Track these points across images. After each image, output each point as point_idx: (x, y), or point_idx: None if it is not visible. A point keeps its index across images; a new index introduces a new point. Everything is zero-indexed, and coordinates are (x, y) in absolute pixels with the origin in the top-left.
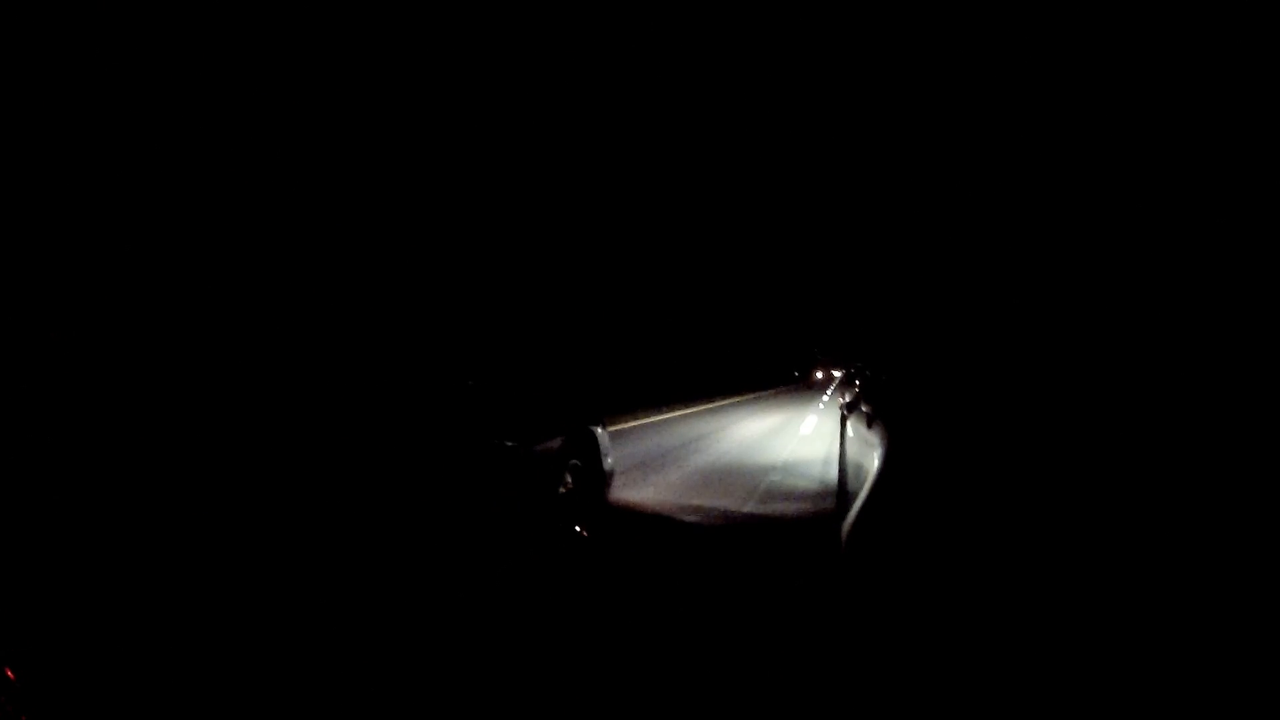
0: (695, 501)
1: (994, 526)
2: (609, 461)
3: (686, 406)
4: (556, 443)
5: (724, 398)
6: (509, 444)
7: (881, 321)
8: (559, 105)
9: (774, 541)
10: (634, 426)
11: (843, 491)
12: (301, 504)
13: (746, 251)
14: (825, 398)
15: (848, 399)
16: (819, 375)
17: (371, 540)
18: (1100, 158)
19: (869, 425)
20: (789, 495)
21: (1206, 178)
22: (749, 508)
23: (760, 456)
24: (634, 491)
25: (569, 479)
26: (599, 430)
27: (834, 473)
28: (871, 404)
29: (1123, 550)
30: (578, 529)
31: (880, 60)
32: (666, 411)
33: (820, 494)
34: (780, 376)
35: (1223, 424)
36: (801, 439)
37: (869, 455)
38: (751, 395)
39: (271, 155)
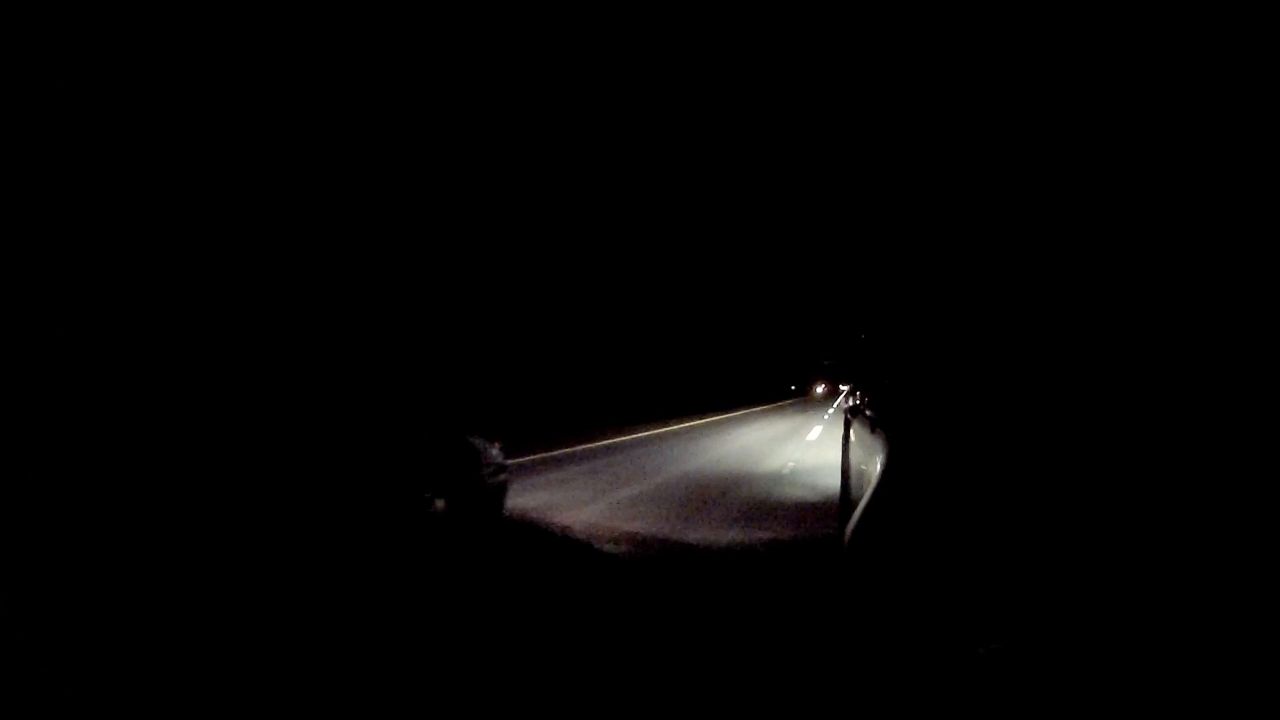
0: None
1: (999, 531)
2: (501, 477)
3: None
4: (415, 456)
5: (681, 420)
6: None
7: (884, 324)
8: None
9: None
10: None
11: (845, 495)
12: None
13: (740, 257)
14: (824, 420)
15: (851, 404)
16: (820, 389)
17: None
18: (1099, 160)
19: (872, 430)
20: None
21: (1206, 178)
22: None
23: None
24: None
25: (438, 501)
26: (479, 441)
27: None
28: (875, 409)
29: (1125, 553)
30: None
31: (883, 63)
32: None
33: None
34: (777, 390)
35: (1226, 431)
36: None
37: (872, 460)
38: (724, 416)
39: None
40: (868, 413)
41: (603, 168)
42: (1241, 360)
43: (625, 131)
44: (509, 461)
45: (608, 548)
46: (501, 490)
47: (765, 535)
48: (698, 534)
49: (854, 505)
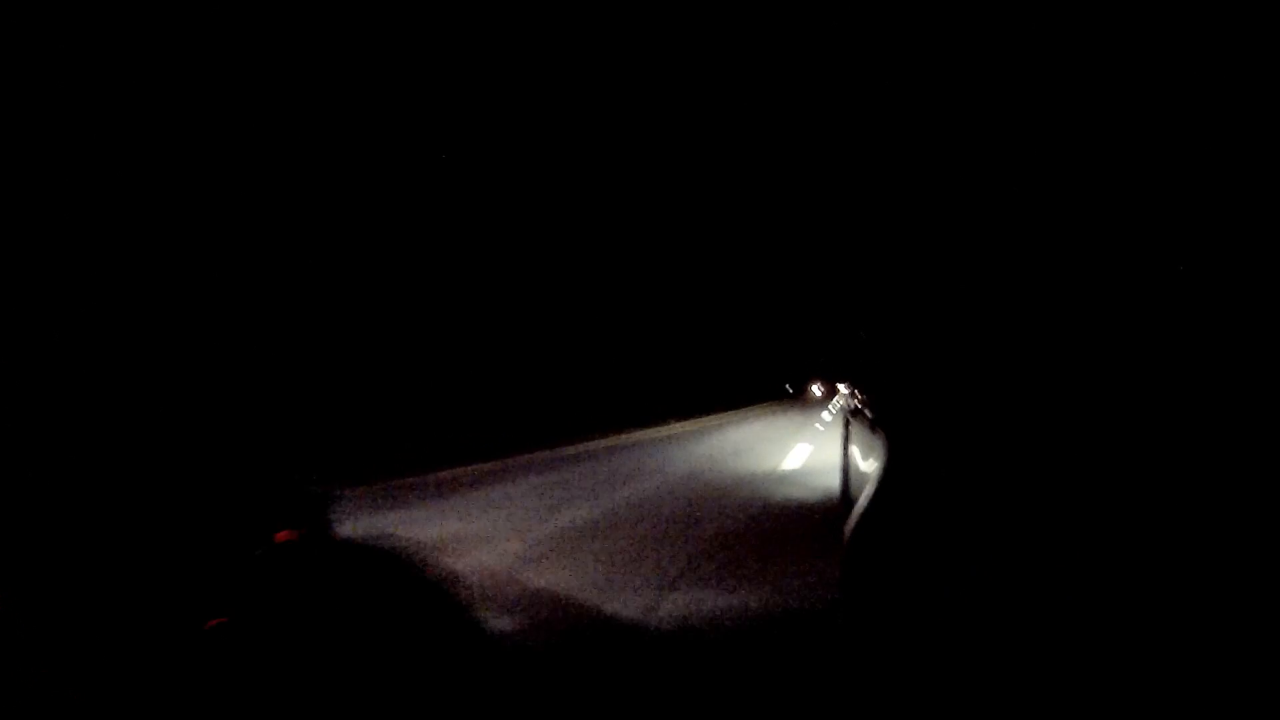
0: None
1: (997, 532)
2: (323, 514)
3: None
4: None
5: (666, 425)
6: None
7: (883, 323)
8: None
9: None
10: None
11: (846, 493)
12: None
13: (736, 256)
14: (820, 426)
15: (853, 406)
16: (818, 390)
17: None
18: (1098, 164)
19: (872, 430)
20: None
21: (1206, 178)
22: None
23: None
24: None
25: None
26: (281, 469)
27: None
28: (874, 409)
29: (1123, 553)
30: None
31: (889, 65)
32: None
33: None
34: (775, 391)
35: (1221, 433)
36: None
37: (871, 460)
38: (716, 420)
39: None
40: (867, 413)
41: (589, 156)
42: (1239, 364)
43: (610, 118)
44: (347, 491)
45: (493, 622)
46: (321, 531)
47: (730, 601)
48: (634, 599)
49: (853, 504)
